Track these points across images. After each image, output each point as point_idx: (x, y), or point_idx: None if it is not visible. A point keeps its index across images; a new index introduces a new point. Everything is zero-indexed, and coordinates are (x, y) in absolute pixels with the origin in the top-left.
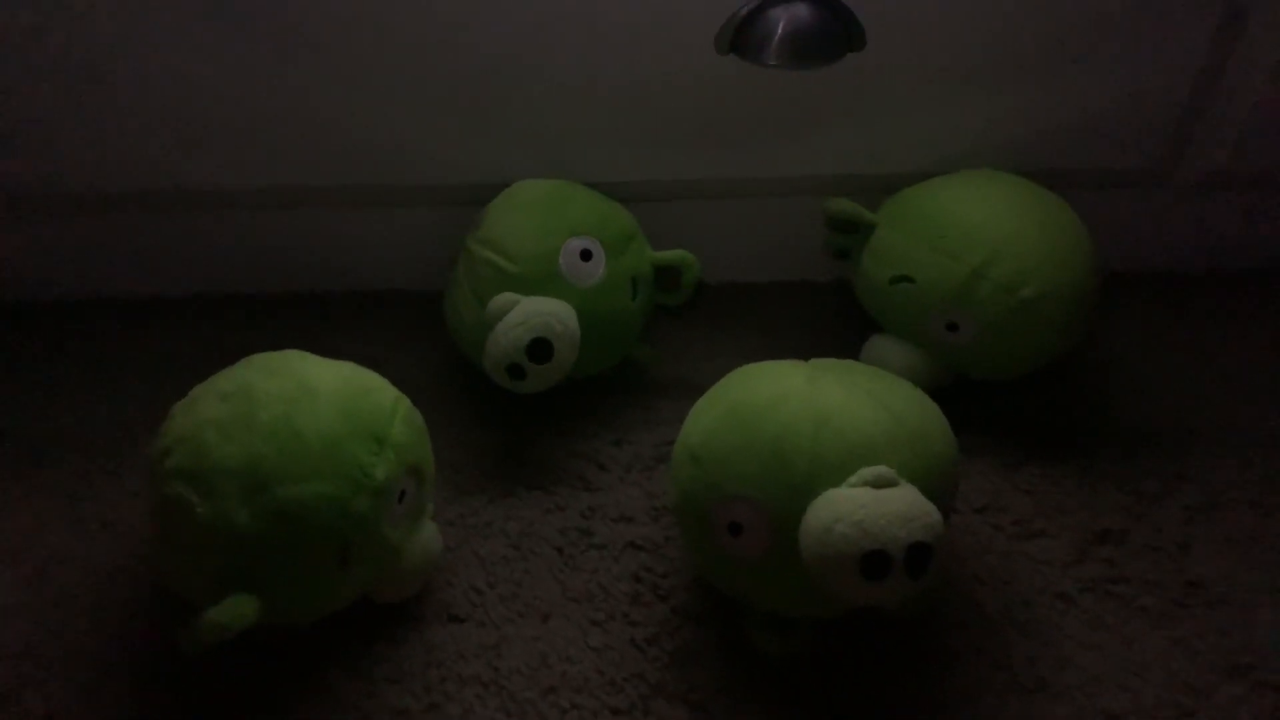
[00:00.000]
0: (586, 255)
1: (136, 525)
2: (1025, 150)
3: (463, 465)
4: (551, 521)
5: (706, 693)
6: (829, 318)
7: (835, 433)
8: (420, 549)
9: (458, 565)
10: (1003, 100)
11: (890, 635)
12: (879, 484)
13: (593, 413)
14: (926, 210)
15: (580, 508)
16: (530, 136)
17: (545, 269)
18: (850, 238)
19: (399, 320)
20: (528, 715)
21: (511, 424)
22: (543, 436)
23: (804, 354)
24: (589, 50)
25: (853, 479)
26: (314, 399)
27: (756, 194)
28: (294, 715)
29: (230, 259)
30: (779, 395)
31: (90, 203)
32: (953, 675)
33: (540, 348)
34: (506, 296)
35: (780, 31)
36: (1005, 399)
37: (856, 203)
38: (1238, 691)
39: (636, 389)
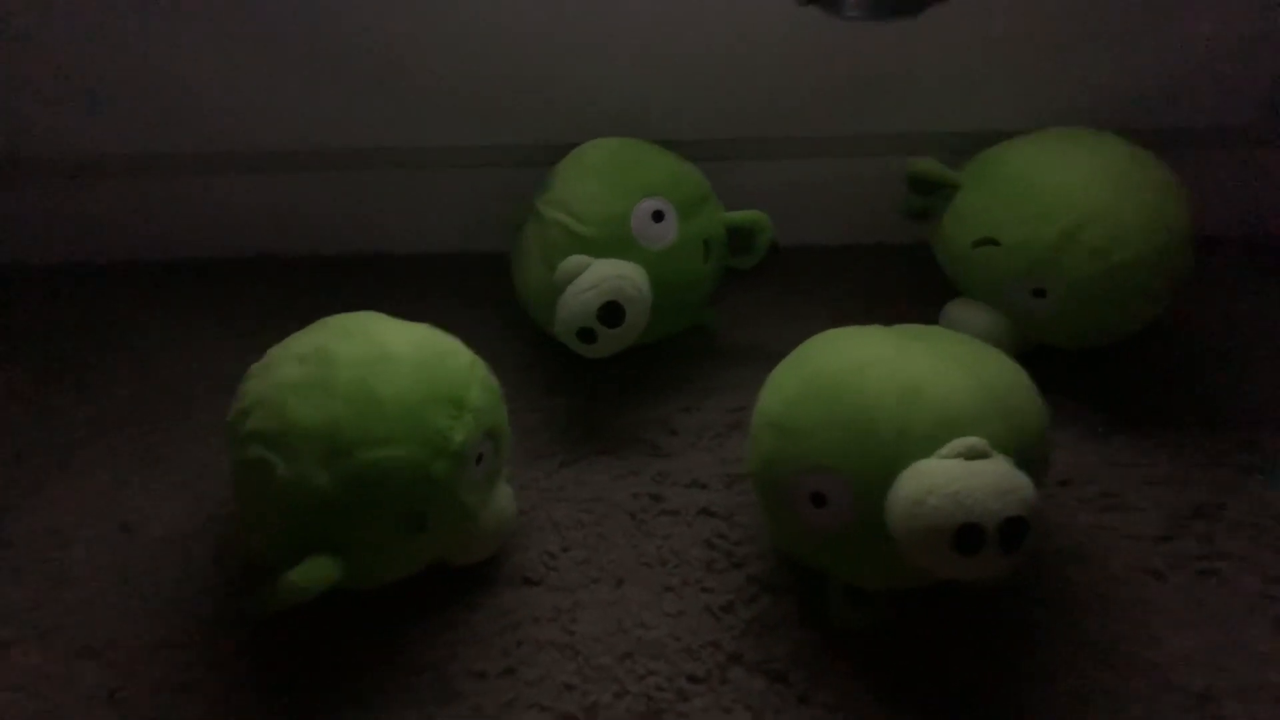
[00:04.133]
0: (659, 216)
1: (212, 485)
2: (1119, 107)
3: (533, 429)
4: (623, 486)
5: (784, 663)
6: (905, 282)
7: (925, 403)
8: (495, 513)
9: (530, 529)
10: (1095, 54)
11: (970, 608)
12: (971, 456)
13: (661, 378)
14: (1014, 170)
15: (651, 473)
16: (600, 94)
17: (617, 231)
18: (931, 199)
19: (466, 283)
20: (604, 680)
21: (580, 388)
22: (611, 401)
23: (879, 319)
24: (661, 2)
25: (944, 450)
26: (392, 363)
27: (833, 153)
28: (370, 677)
29: (299, 221)
30: (865, 363)
31: (160, 165)
32: (1035, 651)
33: (612, 311)
34: (577, 259)
35: None
36: (1089, 366)
37: (939, 162)
38: None
39: (705, 354)
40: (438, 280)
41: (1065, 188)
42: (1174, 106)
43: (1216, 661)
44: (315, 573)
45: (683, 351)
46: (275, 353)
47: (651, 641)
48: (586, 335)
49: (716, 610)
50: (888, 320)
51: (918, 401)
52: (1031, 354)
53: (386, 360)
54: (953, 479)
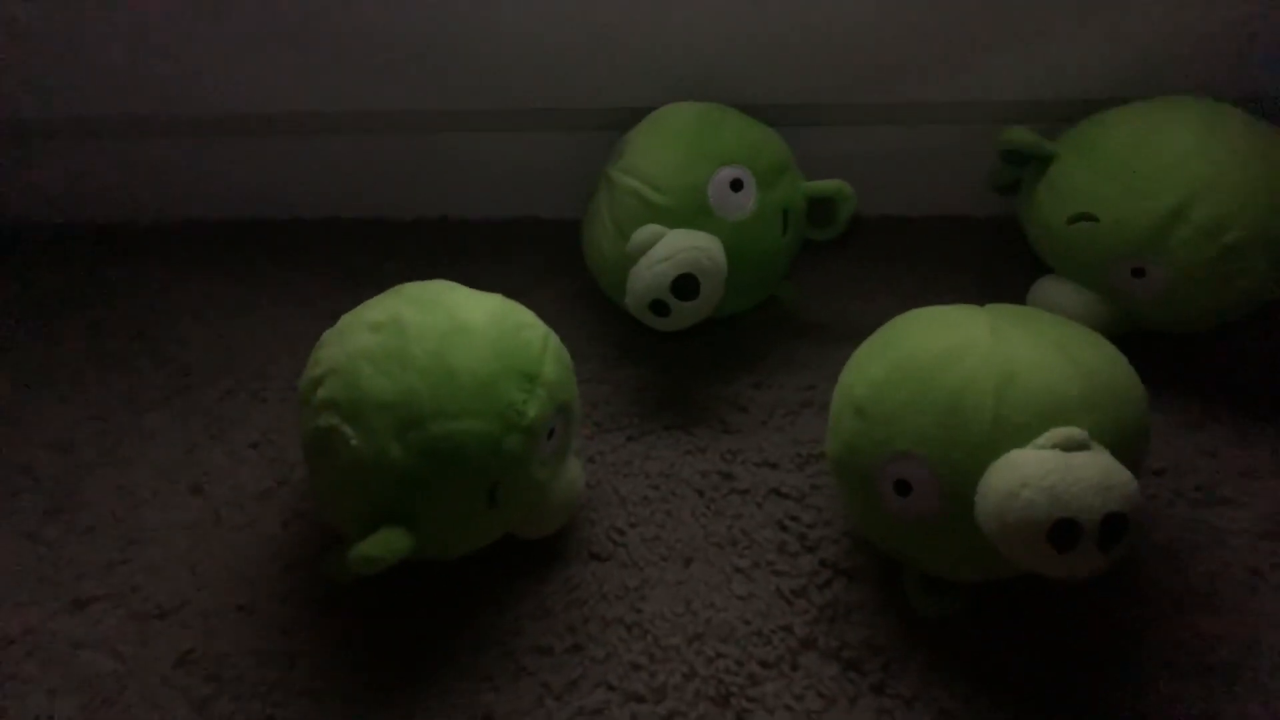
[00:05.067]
0: (737, 185)
1: (283, 447)
2: (1231, 73)
3: (600, 401)
4: (692, 463)
5: (858, 650)
6: (990, 257)
7: (1022, 390)
8: (565, 487)
9: (598, 504)
10: (1206, 13)
11: (1056, 602)
12: (1069, 446)
13: (733, 353)
14: (1116, 141)
15: (721, 450)
16: (677, 56)
17: (693, 200)
18: (1023, 170)
19: (537, 250)
20: (672, 662)
21: (649, 361)
22: (681, 375)
23: (966, 296)
24: None
25: (1041, 440)
26: (467, 335)
27: (918, 120)
28: (438, 647)
29: (366, 183)
30: (959, 346)
31: (229, 125)
32: (1125, 653)
33: (687, 284)
34: (651, 229)
35: None
36: (1187, 350)
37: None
38: None
39: (780, 329)
40: (507, 246)
41: (1172, 161)
42: None
43: None
44: (387, 544)
45: (756, 325)
46: (348, 319)
47: (721, 623)
48: (659, 308)
49: (788, 594)
50: (974, 298)
51: (1015, 389)
52: (1125, 336)
53: (462, 332)
54: (1049, 471)
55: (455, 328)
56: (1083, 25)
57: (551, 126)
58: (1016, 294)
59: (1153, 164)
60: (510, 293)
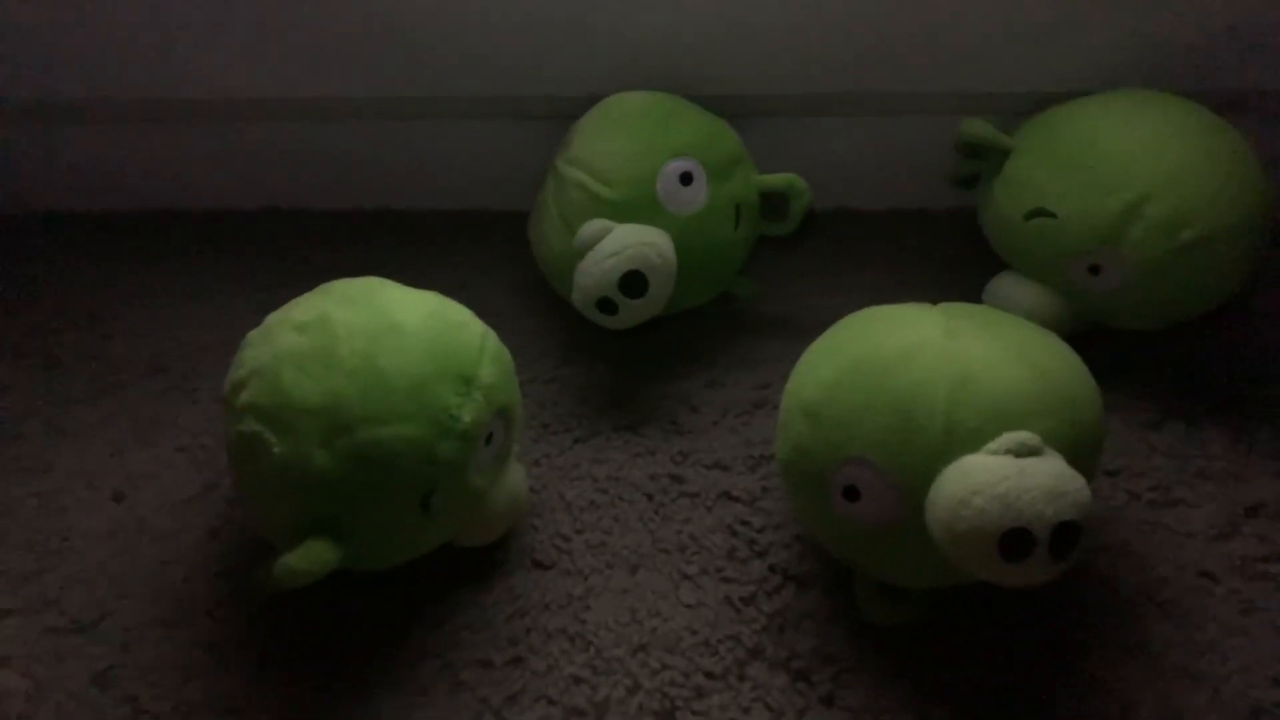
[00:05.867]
0: (687, 179)
1: (213, 450)
2: (1191, 68)
3: (548, 401)
4: (641, 466)
5: (808, 660)
6: (949, 252)
7: (976, 393)
8: (506, 493)
9: (543, 509)
10: (1167, 6)
11: (1009, 607)
12: (1022, 452)
13: (687, 351)
14: (1073, 135)
15: (671, 452)
16: (628, 43)
17: (642, 194)
18: (982, 164)
19: (486, 242)
20: (615, 675)
21: (599, 359)
22: (632, 374)
23: (921, 292)
24: None
25: (993, 445)
26: (399, 335)
27: (876, 111)
28: (372, 663)
29: (307, 173)
30: (911, 347)
31: (168, 111)
32: (1079, 657)
33: (634, 281)
34: (598, 224)
35: None
36: (1144, 348)
37: (991, 125)
38: None
39: (735, 326)
40: (453, 238)
41: (1129, 156)
42: (1253, 67)
43: (1271, 673)
44: (312, 557)
45: (710, 322)
46: (275, 318)
47: (667, 634)
48: (607, 306)
49: (737, 602)
50: (929, 294)
51: (968, 392)
52: (1082, 334)
53: (393, 332)
54: (1001, 478)
55: (386, 327)
56: (1043, 17)
57: (500, 114)
58: (974, 290)
59: (1109, 160)
60: (456, 288)
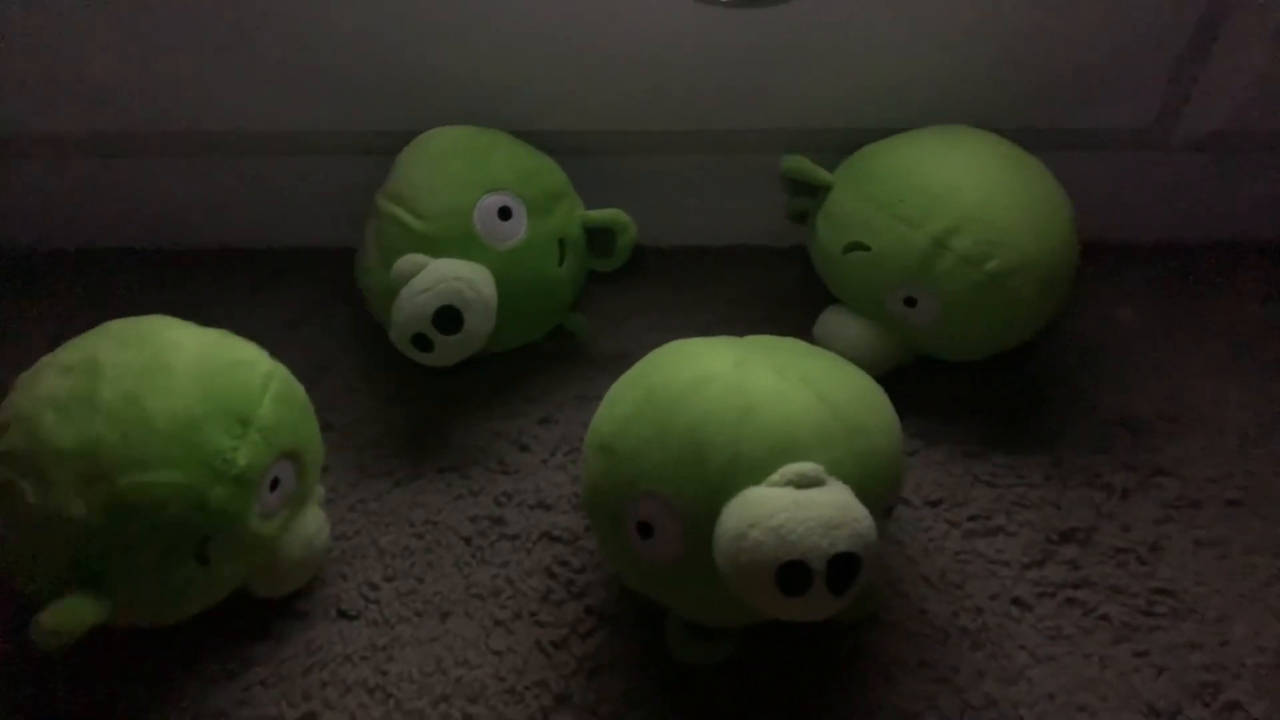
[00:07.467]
0: (505, 213)
1: None
2: (1005, 106)
3: (369, 444)
4: (461, 508)
5: (616, 704)
6: (788, 287)
7: (761, 424)
8: (301, 541)
9: (353, 556)
10: (981, 48)
11: (823, 643)
12: (803, 483)
13: (521, 388)
14: (883, 170)
15: (495, 493)
16: (454, 77)
17: (458, 227)
18: (809, 200)
19: (316, 281)
20: None
21: (428, 398)
22: (463, 413)
23: (758, 327)
24: None
25: (774, 477)
26: (167, 374)
27: (706, 149)
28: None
29: (122, 210)
30: (700, 379)
31: None
32: (891, 689)
33: (448, 316)
34: (413, 258)
35: None
36: (969, 380)
37: (817, 161)
38: (1204, 715)
39: (569, 362)
40: (285, 277)
41: (936, 190)
42: (1065, 106)
43: (1075, 701)
44: (71, 614)
45: (546, 358)
46: (45, 361)
47: (472, 682)
48: (421, 342)
49: (548, 646)
50: (765, 329)
51: (752, 422)
52: (913, 365)
53: (162, 371)
54: (776, 510)
55: (154, 366)
56: (865, 59)
57: (329, 149)
58: (810, 325)
59: (918, 193)
60: (287, 326)
